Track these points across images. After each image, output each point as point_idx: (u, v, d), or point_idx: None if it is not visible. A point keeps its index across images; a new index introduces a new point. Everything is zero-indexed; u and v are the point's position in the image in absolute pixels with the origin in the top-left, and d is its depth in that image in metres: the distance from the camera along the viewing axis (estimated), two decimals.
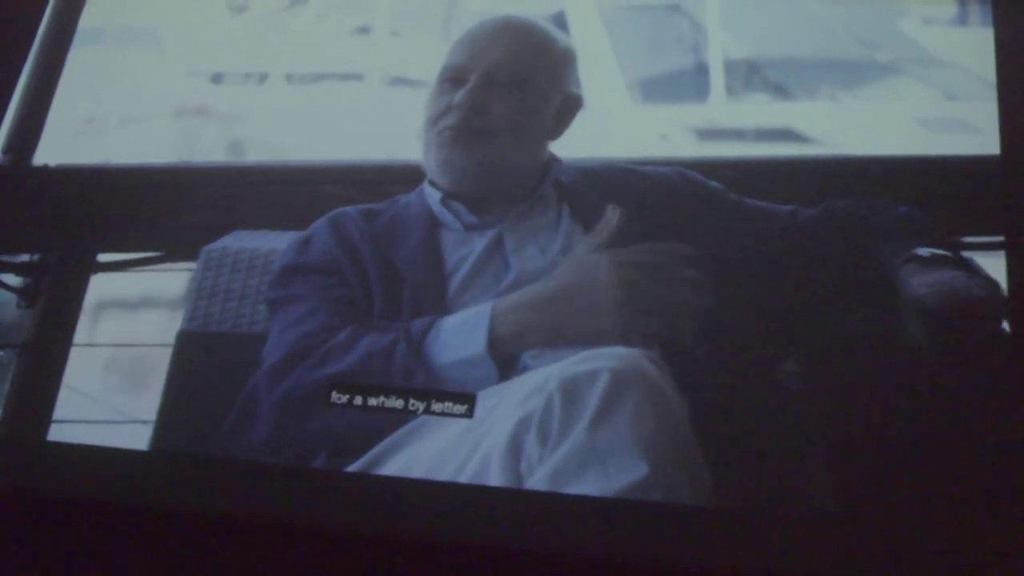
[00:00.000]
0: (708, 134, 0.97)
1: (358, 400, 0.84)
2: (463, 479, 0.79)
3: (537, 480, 0.76)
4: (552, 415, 0.76)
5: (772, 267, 0.87)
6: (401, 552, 0.79)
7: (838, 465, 0.78)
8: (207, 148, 1.04)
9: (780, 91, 0.97)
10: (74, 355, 0.94)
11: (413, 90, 1.01)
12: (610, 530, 0.75)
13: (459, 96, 0.91)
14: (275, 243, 0.95)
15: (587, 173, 0.93)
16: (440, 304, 0.87)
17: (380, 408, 0.83)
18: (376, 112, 1.04)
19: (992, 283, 0.82)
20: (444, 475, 0.79)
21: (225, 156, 1.04)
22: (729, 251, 0.87)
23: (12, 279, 1.00)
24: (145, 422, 0.89)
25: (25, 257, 1.01)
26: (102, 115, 1.06)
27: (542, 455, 0.76)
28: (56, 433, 0.91)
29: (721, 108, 0.98)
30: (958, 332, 0.81)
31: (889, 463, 0.77)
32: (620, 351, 0.79)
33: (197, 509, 0.83)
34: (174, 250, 0.99)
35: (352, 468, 0.82)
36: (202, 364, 0.92)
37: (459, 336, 0.84)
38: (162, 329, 0.95)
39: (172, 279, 0.98)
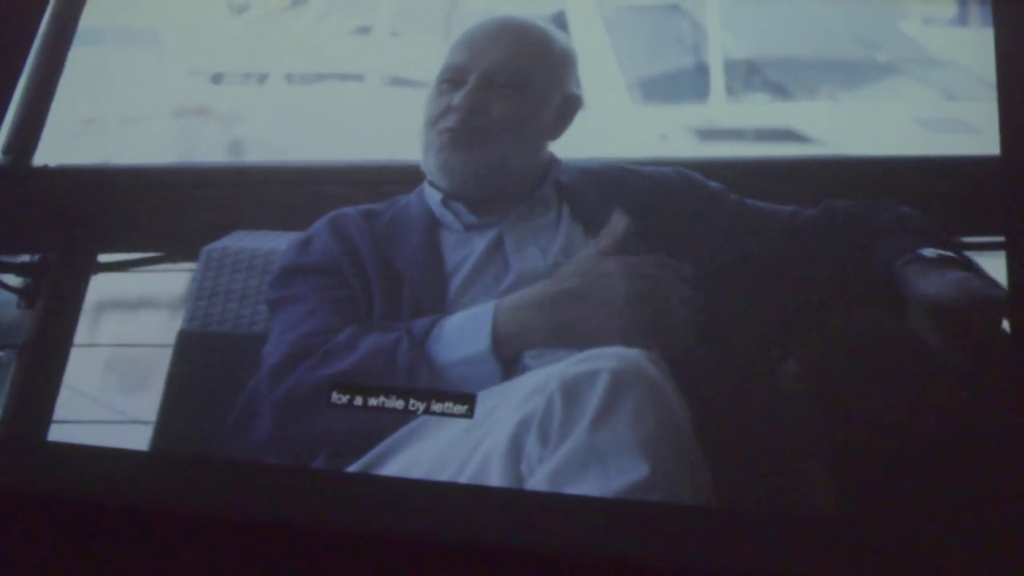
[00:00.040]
0: (708, 134, 0.97)
1: (358, 400, 0.84)
2: (463, 479, 0.79)
3: (538, 480, 0.76)
4: (553, 415, 0.76)
5: (773, 267, 0.87)
6: (401, 552, 0.79)
7: (838, 465, 0.78)
8: (207, 148, 1.04)
9: (780, 91, 0.97)
10: (74, 355, 0.94)
11: (413, 90, 1.01)
12: (610, 530, 0.75)
13: (458, 97, 0.90)
14: (275, 243, 0.95)
15: (587, 173, 0.92)
16: (440, 304, 0.87)
17: (380, 408, 0.83)
18: (376, 112, 1.04)
19: (998, 284, 0.82)
20: (444, 475, 0.79)
21: (225, 156, 1.04)
22: (729, 251, 0.87)
23: (12, 279, 1.00)
24: (145, 422, 0.89)
25: (25, 257, 1.01)
26: (102, 115, 1.06)
27: (543, 455, 0.76)
28: (56, 433, 0.91)
29: (721, 108, 0.98)
30: (975, 332, 0.81)
31: (889, 463, 0.77)
32: (620, 351, 0.79)
33: (197, 509, 0.83)
34: (174, 250, 0.99)
35: (352, 468, 0.82)
36: (202, 364, 0.92)
37: (462, 334, 0.84)
38: (162, 329, 0.95)
39: (172, 279, 0.98)
